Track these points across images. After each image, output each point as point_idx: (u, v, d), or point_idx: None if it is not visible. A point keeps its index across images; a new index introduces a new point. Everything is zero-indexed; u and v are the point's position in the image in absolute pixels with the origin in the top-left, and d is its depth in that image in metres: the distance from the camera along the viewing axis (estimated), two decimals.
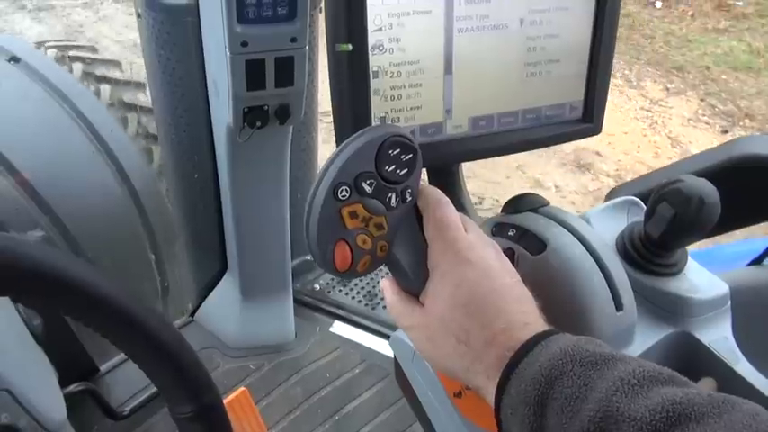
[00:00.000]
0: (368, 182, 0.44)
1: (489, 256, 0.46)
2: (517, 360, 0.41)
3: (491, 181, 2.90)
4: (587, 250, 0.53)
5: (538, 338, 0.41)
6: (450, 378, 0.48)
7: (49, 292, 0.36)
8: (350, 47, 0.50)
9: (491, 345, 0.42)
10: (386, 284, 0.49)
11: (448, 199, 0.47)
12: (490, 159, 0.62)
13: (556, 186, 2.94)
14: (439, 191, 0.48)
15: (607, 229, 0.62)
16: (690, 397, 0.35)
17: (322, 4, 1.18)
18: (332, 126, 0.53)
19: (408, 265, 0.46)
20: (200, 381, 0.44)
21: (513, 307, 0.43)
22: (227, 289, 1.36)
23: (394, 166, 0.44)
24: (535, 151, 0.70)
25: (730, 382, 0.53)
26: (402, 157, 0.45)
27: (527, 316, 0.43)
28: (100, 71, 1.72)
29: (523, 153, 0.62)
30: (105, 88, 1.67)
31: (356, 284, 1.53)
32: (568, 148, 3.06)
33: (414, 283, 0.47)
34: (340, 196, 0.43)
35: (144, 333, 0.40)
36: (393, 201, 0.45)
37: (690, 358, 0.55)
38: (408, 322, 0.47)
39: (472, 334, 0.43)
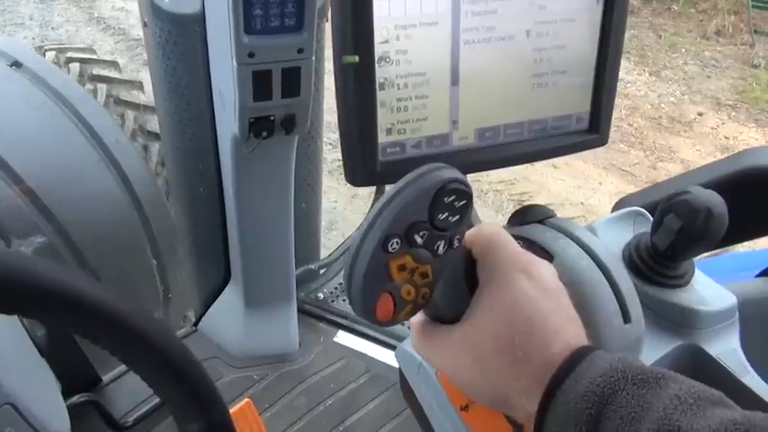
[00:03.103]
0: (420, 233, 0.41)
1: (548, 273, 0.44)
2: (563, 376, 0.39)
3: None
4: (594, 262, 0.52)
5: (582, 353, 0.40)
6: (497, 408, 0.45)
7: (51, 309, 0.35)
8: (357, 59, 0.50)
9: (550, 366, 0.40)
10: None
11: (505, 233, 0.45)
12: None
13: None
14: (494, 228, 0.45)
15: (613, 240, 0.61)
16: (749, 417, 0.34)
17: (329, 14, 1.19)
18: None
19: (445, 307, 0.45)
20: (208, 398, 0.43)
21: (571, 329, 0.42)
22: (230, 298, 1.36)
23: (447, 214, 0.42)
24: None
25: (738, 394, 0.52)
26: (456, 203, 0.42)
27: (581, 339, 0.42)
28: (96, 71, 1.72)
29: None
30: (102, 87, 1.68)
31: None
32: None
33: (445, 319, 0.45)
34: (390, 249, 0.40)
35: (150, 348, 0.39)
36: (441, 248, 0.42)
37: (698, 371, 0.55)
38: (445, 345, 0.44)
39: (533, 355, 0.40)
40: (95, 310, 0.36)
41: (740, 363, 0.55)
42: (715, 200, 0.54)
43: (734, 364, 0.54)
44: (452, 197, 0.41)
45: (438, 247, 0.42)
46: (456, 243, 0.43)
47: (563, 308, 0.43)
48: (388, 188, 0.42)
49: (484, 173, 3.07)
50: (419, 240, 0.41)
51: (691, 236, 0.54)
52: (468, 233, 0.45)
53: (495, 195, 2.99)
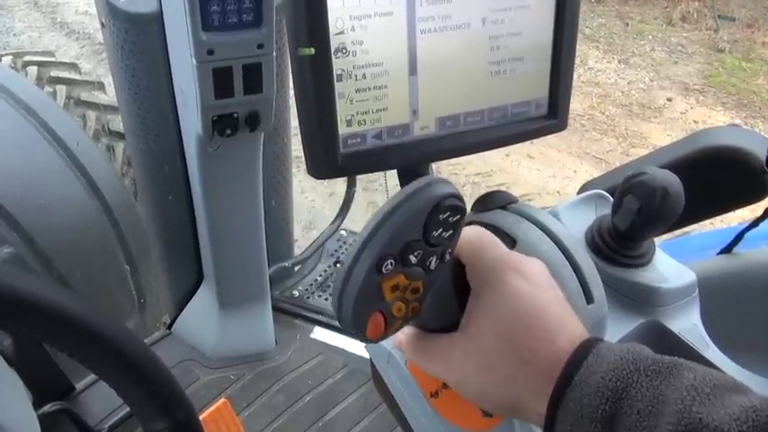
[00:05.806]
0: (415, 253, 0.39)
1: (539, 268, 0.44)
2: (572, 372, 0.38)
3: None
4: (556, 245, 0.53)
5: (586, 346, 0.39)
6: (508, 415, 0.44)
7: (6, 313, 0.34)
8: (312, 51, 0.50)
9: (557, 363, 0.39)
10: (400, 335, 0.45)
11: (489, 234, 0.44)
12: None
13: None
14: (478, 231, 0.44)
15: (576, 224, 0.62)
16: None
17: None
18: None
19: (433, 317, 0.44)
20: (172, 396, 0.43)
21: (571, 322, 0.41)
22: (204, 299, 1.35)
23: (441, 230, 0.40)
24: None
25: None
26: (450, 219, 0.40)
27: (582, 331, 0.41)
28: (55, 73, 1.69)
29: None
30: (61, 89, 1.65)
31: None
32: None
33: (433, 329, 0.45)
34: (384, 270, 0.39)
35: (110, 348, 0.39)
36: (433, 264, 0.41)
37: (661, 346, 0.55)
38: (447, 355, 0.42)
39: (540, 352, 0.39)
40: (49, 311, 0.35)
41: (701, 337, 0.56)
42: (671, 179, 0.55)
43: (695, 339, 0.56)
44: (447, 213, 0.40)
45: (430, 263, 0.41)
46: (447, 257, 0.42)
47: (560, 300, 0.42)
48: (395, 193, 0.40)
49: (460, 167, 3.11)
50: (413, 260, 0.40)
51: (649, 215, 0.55)
52: None
53: (472, 188, 3.01)
